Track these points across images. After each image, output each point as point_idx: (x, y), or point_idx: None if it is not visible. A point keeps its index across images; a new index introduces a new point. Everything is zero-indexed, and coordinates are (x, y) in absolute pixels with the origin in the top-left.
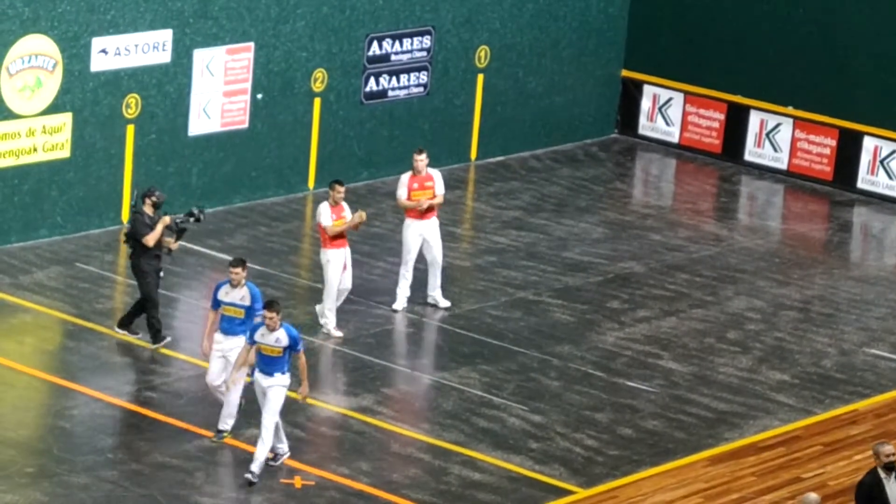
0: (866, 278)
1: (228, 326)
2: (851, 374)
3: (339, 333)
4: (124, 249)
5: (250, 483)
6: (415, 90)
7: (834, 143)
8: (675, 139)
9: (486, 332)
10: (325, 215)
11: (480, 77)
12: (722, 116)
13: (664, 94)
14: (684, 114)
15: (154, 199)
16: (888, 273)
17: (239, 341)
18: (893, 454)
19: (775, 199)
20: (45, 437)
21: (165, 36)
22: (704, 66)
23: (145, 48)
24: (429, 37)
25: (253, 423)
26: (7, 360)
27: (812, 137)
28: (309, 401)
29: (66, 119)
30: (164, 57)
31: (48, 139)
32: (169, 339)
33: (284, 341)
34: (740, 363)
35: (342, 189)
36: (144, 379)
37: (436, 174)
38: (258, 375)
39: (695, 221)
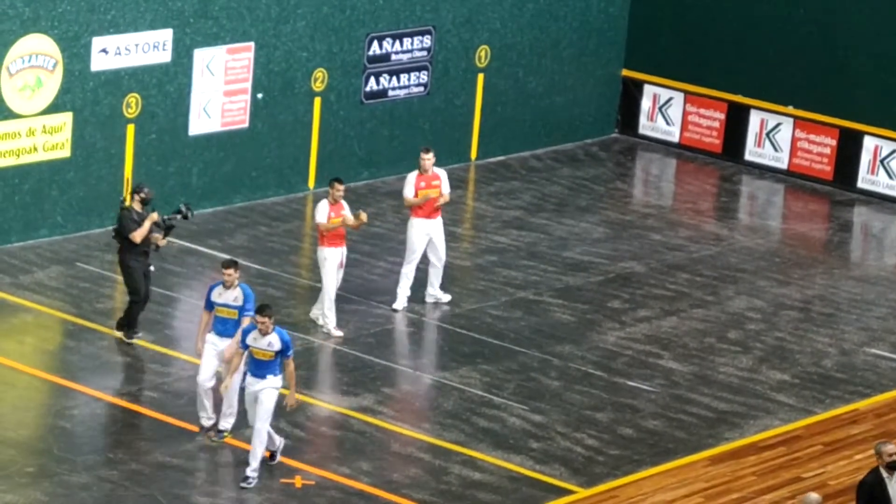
0: (867, 278)
1: (222, 328)
2: (852, 373)
3: (339, 333)
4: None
5: (249, 485)
6: (415, 90)
7: (834, 142)
8: (675, 139)
9: (487, 331)
10: (321, 212)
11: (481, 77)
12: (722, 116)
13: (664, 94)
14: (684, 113)
15: (143, 195)
16: (888, 273)
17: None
18: None
19: (776, 198)
20: (46, 436)
21: (166, 35)
22: (705, 65)
23: (146, 48)
24: (429, 36)
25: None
26: (7, 359)
27: (812, 137)
28: (309, 401)
29: (66, 119)
30: (165, 56)
31: (48, 139)
32: (141, 334)
33: (276, 345)
34: (741, 363)
35: (342, 187)
36: (144, 379)
37: (442, 173)
38: (250, 379)
39: (695, 221)
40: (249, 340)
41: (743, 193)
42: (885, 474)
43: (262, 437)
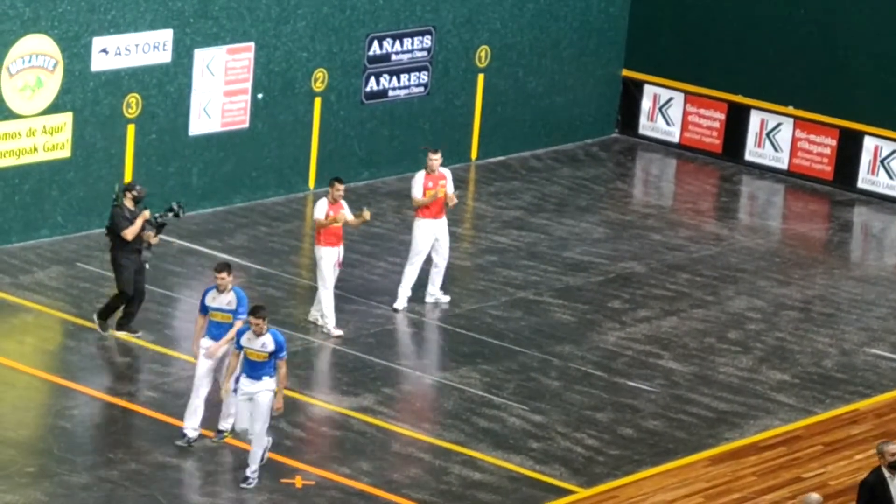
0: (867, 278)
1: (217, 332)
2: (852, 373)
3: (339, 333)
4: None
5: (249, 485)
6: (415, 90)
7: (834, 142)
8: (675, 139)
9: (487, 331)
10: (319, 210)
11: (481, 77)
12: (722, 116)
13: (664, 94)
14: (685, 113)
15: (135, 193)
16: (889, 273)
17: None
18: None
19: (776, 198)
20: (46, 436)
21: (166, 36)
22: (705, 66)
23: (146, 48)
24: (429, 37)
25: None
26: (7, 359)
27: (812, 137)
28: (309, 401)
29: (66, 119)
30: (165, 57)
31: (49, 139)
32: (140, 334)
33: (270, 346)
34: (741, 363)
35: (342, 187)
36: (144, 379)
37: (447, 173)
38: (244, 381)
39: (695, 221)
40: (244, 341)
41: (743, 193)
42: (887, 474)
43: (262, 440)
